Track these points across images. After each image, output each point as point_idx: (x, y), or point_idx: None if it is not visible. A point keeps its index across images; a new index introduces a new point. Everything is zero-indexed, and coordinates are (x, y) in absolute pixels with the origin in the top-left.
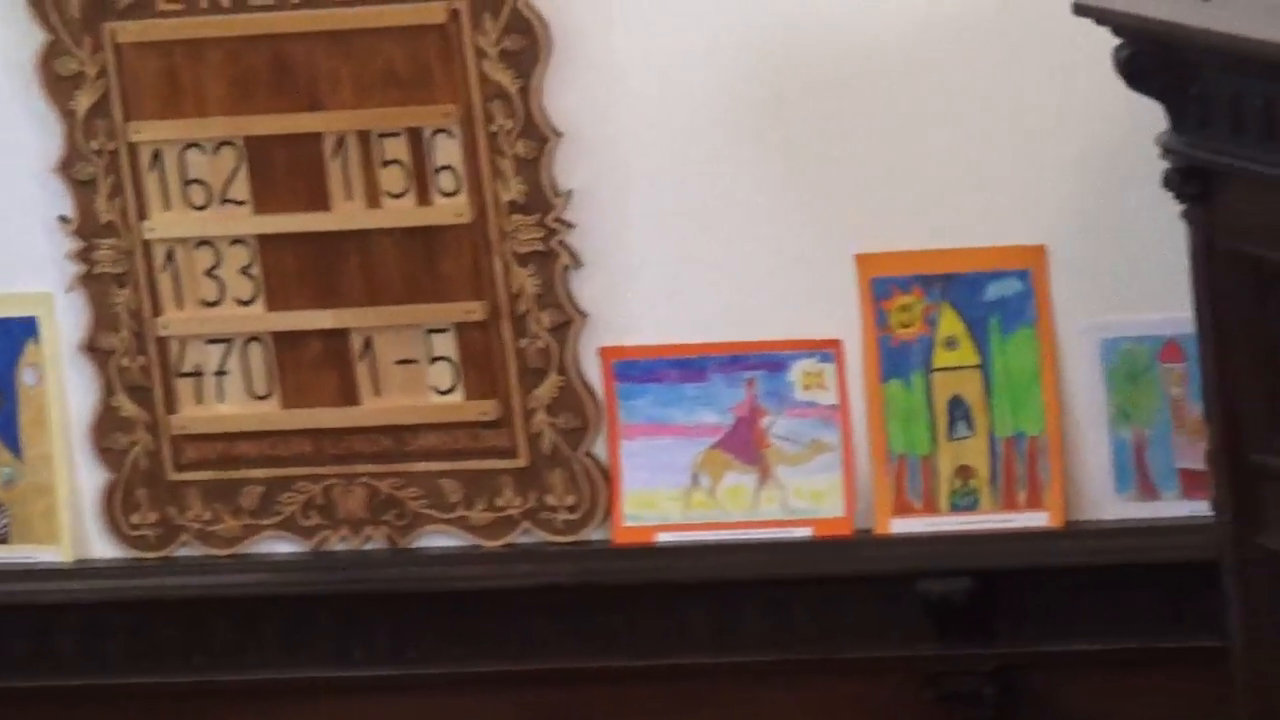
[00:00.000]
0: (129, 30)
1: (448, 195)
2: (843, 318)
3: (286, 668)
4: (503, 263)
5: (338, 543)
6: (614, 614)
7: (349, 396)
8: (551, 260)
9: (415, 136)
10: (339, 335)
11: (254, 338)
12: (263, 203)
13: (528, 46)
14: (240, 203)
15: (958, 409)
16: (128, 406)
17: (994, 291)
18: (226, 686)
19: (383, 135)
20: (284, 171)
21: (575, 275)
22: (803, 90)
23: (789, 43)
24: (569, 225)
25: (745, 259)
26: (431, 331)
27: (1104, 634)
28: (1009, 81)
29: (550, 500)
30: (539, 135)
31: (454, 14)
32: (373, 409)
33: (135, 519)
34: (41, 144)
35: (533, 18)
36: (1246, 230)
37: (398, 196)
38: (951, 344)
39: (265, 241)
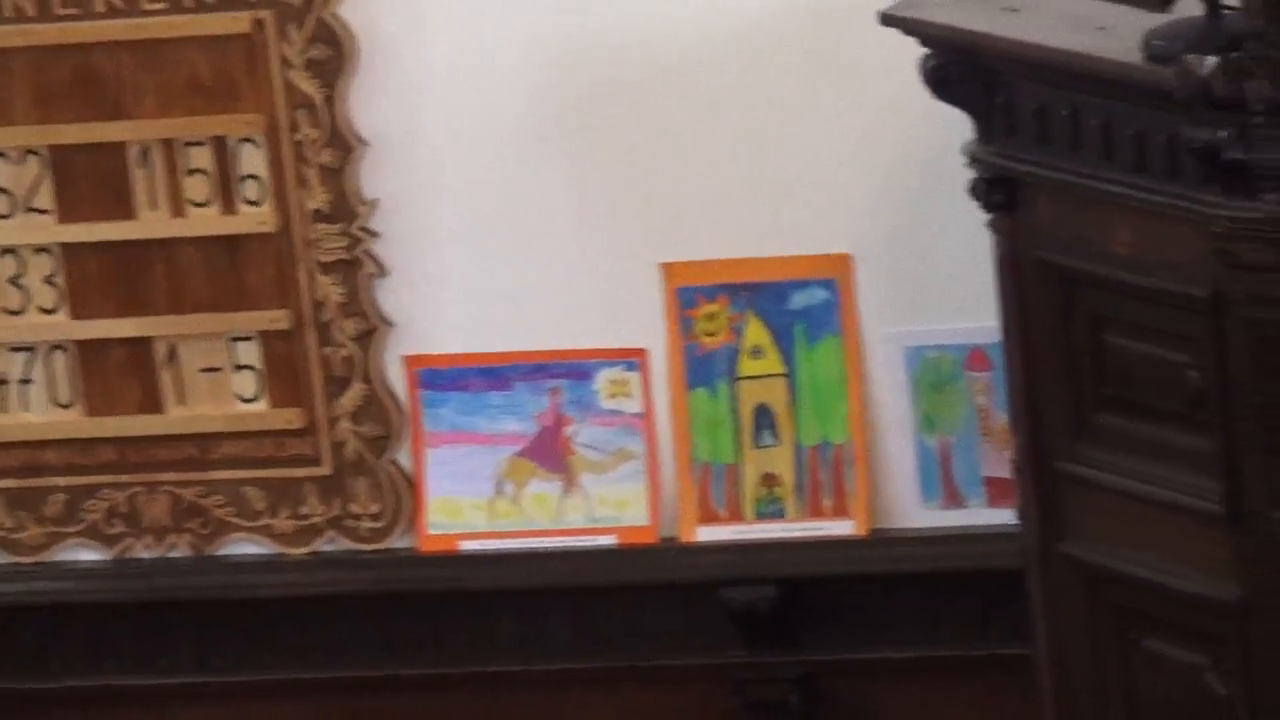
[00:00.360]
0: None
1: (252, 204)
2: (648, 327)
3: (90, 675)
4: (307, 271)
5: (142, 550)
6: (419, 622)
7: (153, 405)
8: (356, 269)
9: (220, 145)
10: (143, 344)
11: (58, 346)
12: (67, 212)
13: (334, 56)
14: (45, 211)
15: (763, 417)
16: None
17: (799, 300)
18: (29, 694)
19: (188, 144)
20: (89, 181)
21: (380, 284)
22: (608, 101)
23: (595, 55)
24: (374, 234)
25: (551, 268)
26: (236, 340)
27: (910, 641)
28: (816, 91)
29: (354, 508)
30: (344, 144)
31: (259, 24)
32: (177, 417)
33: None
34: None
35: (339, 28)
36: (1051, 239)
37: (202, 205)
38: (757, 353)
39: (69, 250)
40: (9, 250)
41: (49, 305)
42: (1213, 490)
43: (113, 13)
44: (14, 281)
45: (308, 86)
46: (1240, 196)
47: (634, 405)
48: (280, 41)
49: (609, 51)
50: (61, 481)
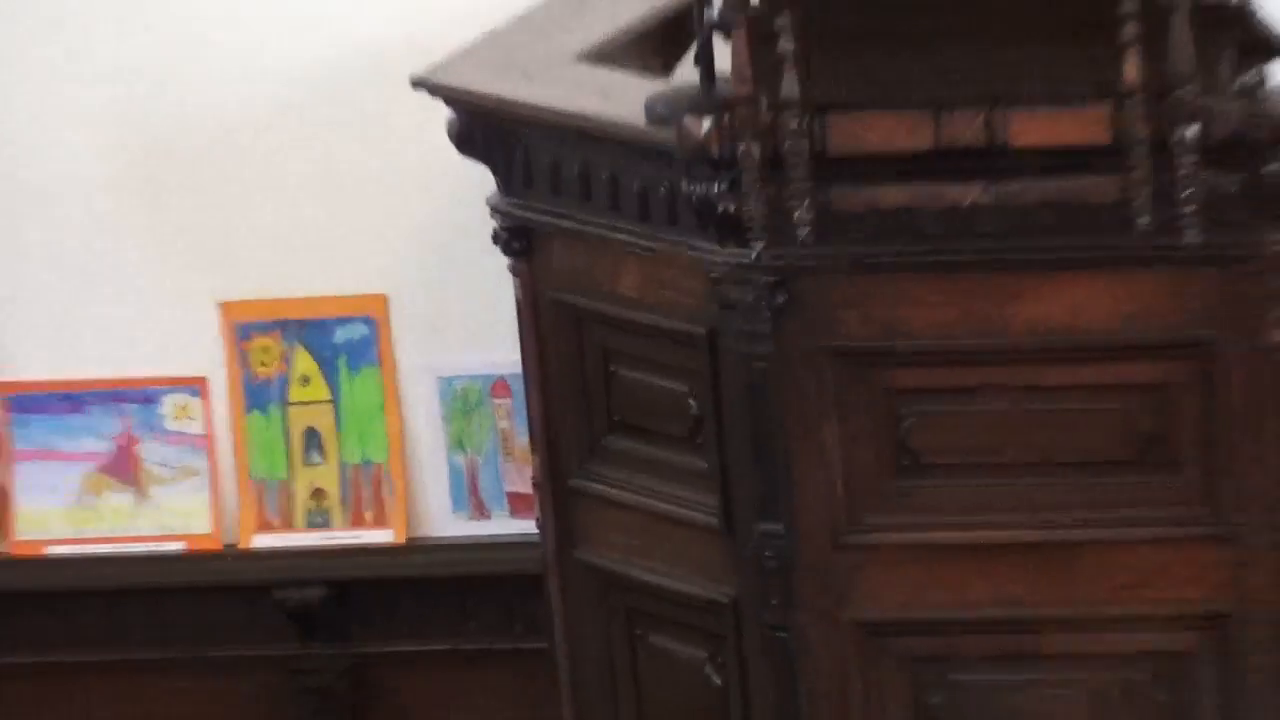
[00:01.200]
0: None
1: None
2: (210, 357)
3: None
4: None
5: None
6: (7, 619)
7: None
8: None
9: None
10: None
11: None
12: None
13: None
14: None
15: (312, 439)
16: None
17: (342, 335)
18: None
19: None
20: None
21: None
22: (176, 156)
23: (160, 104)
24: None
25: (124, 305)
26: None
27: (445, 636)
28: (358, 148)
29: None
30: None
31: None
32: None
33: None
34: None
35: None
36: (565, 280)
37: None
38: (305, 381)
39: None
40: None
41: None
42: (710, 505)
43: None
44: None
45: None
46: (732, 243)
47: (197, 427)
48: None
49: (177, 110)
50: None
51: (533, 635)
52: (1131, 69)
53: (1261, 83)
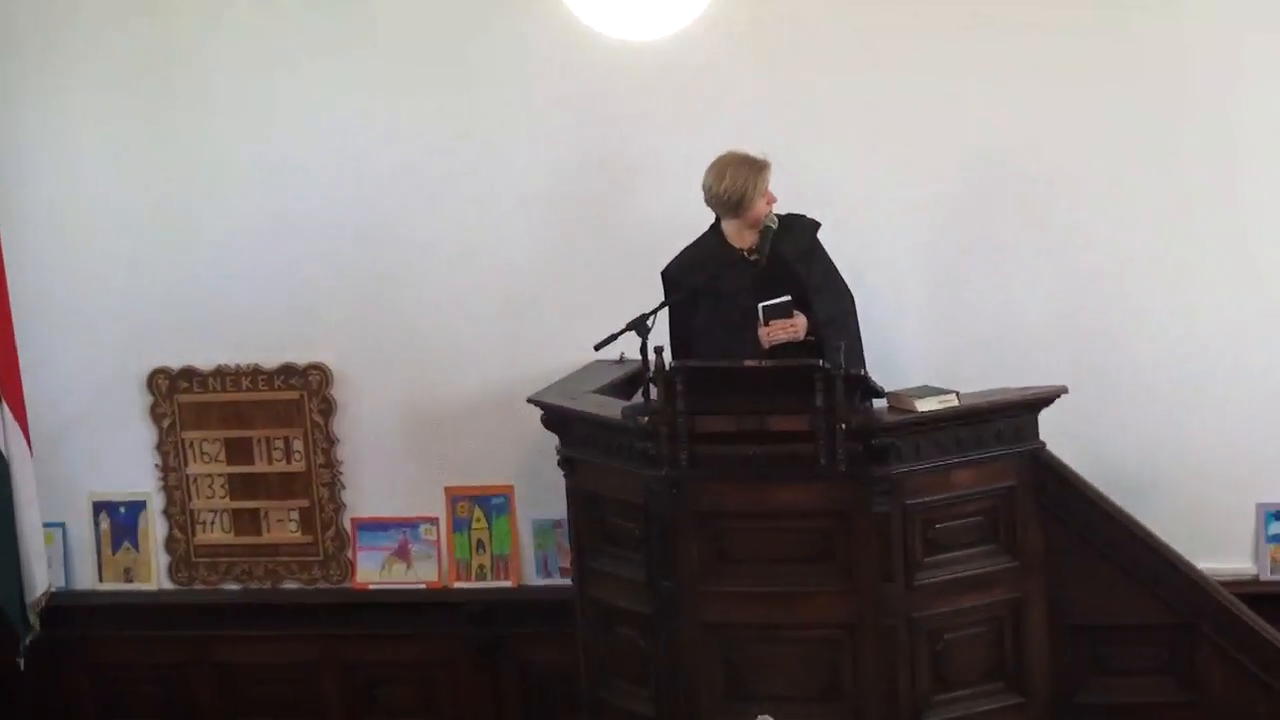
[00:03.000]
0: None
1: None
2: None
3: None
4: None
5: None
6: None
7: None
8: None
9: None
10: None
11: None
12: None
13: None
14: None
15: None
16: None
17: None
18: None
19: None
20: None
21: None
22: None
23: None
24: None
25: None
26: None
27: None
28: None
29: None
30: None
31: None
32: None
33: None
34: None
35: None
36: (588, 484)
37: None
38: None
39: None
40: None
41: None
42: (642, 573)
43: None
44: None
45: None
46: (653, 468)
47: None
48: None
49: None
50: None
51: None
52: (819, 399)
53: (871, 406)
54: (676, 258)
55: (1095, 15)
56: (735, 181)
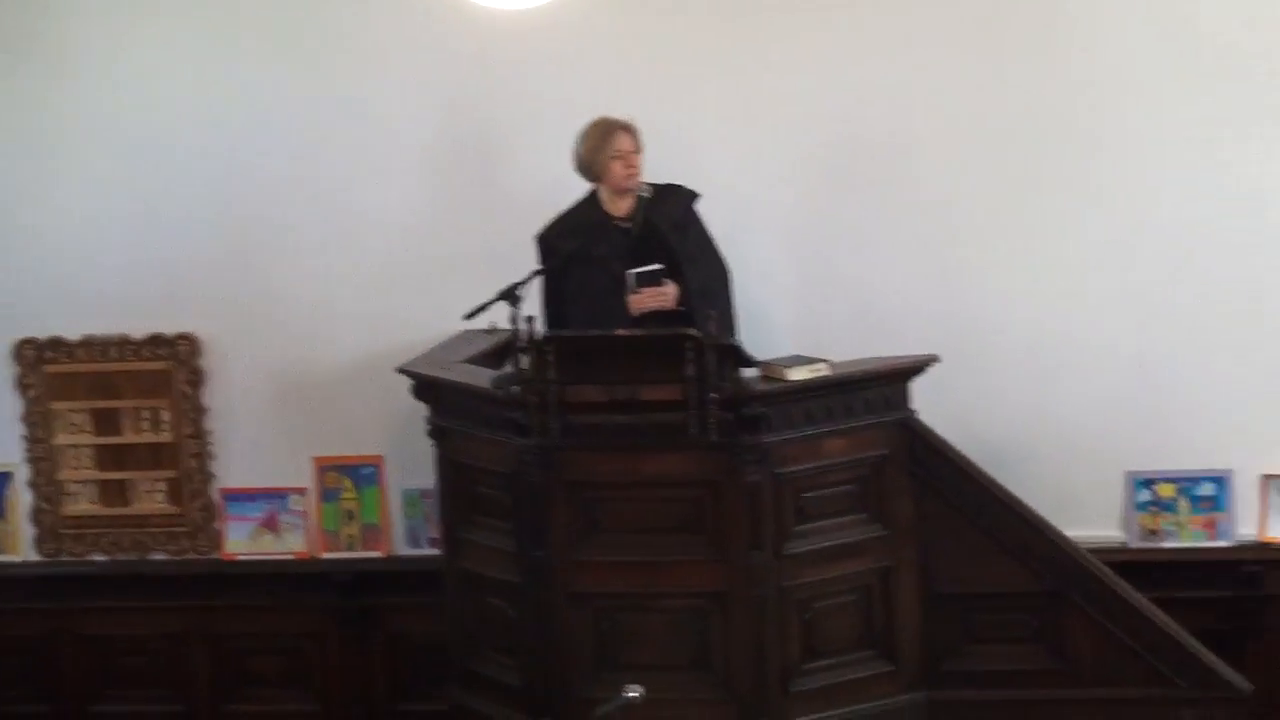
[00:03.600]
0: None
1: None
2: None
3: None
4: None
5: None
6: None
7: None
8: None
9: None
10: None
11: None
12: None
13: None
14: None
15: None
16: None
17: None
18: None
19: None
20: None
21: None
22: None
23: None
24: None
25: None
26: None
27: None
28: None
29: None
30: None
31: None
32: None
33: None
34: None
35: None
36: (457, 453)
37: None
38: None
39: None
40: None
41: None
42: (511, 541)
43: None
44: None
45: None
46: (522, 437)
47: None
48: None
49: None
50: None
51: None
52: (690, 369)
53: (740, 376)
54: (552, 223)
55: None
56: (585, 144)
